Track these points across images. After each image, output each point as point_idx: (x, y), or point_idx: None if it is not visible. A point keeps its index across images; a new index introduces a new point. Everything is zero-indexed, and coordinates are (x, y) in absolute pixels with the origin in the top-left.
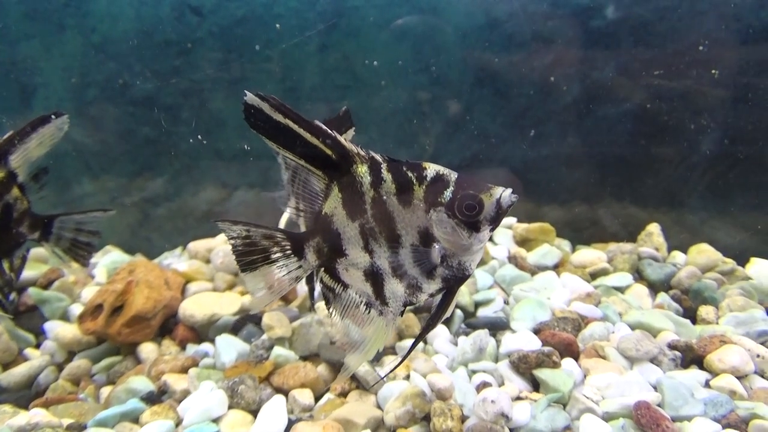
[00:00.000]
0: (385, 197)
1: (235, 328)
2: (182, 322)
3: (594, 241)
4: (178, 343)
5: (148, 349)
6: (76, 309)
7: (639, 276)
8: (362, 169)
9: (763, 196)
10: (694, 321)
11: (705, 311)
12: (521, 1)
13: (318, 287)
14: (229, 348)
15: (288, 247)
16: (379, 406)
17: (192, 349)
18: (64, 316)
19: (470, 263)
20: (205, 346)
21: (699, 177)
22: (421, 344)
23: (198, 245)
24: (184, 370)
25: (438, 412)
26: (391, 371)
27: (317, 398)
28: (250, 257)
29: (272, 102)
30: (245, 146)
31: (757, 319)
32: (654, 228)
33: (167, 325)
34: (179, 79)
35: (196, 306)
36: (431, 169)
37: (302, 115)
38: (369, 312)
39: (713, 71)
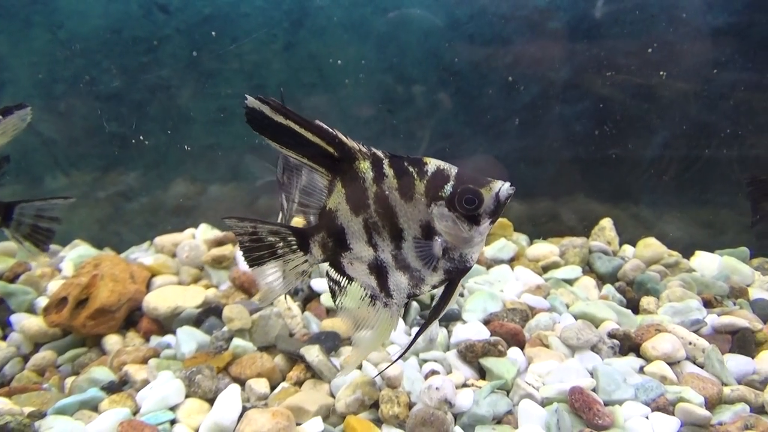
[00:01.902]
0: (387, 192)
1: (197, 321)
2: (146, 314)
3: (553, 235)
4: (142, 335)
5: (112, 341)
6: (43, 302)
7: (589, 269)
8: (365, 165)
9: (711, 192)
10: (636, 311)
11: (647, 302)
12: (482, 2)
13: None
14: (189, 339)
15: (294, 242)
16: (332, 395)
17: (155, 340)
18: (31, 309)
19: (471, 255)
20: (168, 338)
21: (652, 174)
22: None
23: (164, 239)
24: (145, 361)
25: (386, 399)
26: (393, 363)
27: (273, 387)
28: (257, 253)
29: (273, 104)
30: (214, 141)
31: (692, 309)
32: (606, 223)
33: (132, 317)
34: (147, 76)
35: (160, 299)
36: (432, 164)
37: (302, 115)
38: (374, 304)
39: (661, 72)
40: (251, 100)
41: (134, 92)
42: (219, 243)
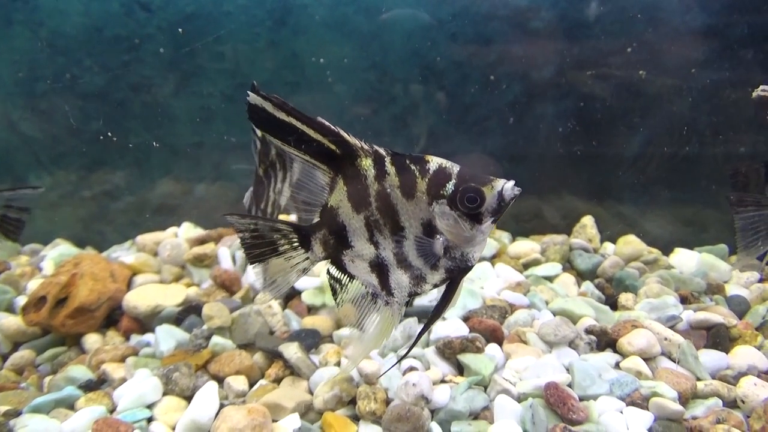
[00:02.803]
0: (389, 190)
1: (178, 319)
2: (126, 313)
3: (536, 232)
4: (122, 334)
5: (92, 340)
6: (22, 301)
7: (569, 266)
8: (366, 163)
9: (693, 189)
10: (615, 307)
11: (625, 298)
12: (464, 2)
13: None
14: (168, 337)
15: (295, 240)
16: (310, 392)
17: (135, 339)
18: (10, 308)
19: (473, 254)
20: (148, 337)
21: (633, 171)
22: (357, 331)
23: (146, 238)
24: (123, 360)
25: (363, 396)
26: (397, 363)
27: (252, 385)
28: (258, 250)
29: (275, 101)
30: (197, 140)
31: (669, 305)
32: (588, 220)
33: (113, 316)
34: (129, 74)
35: (140, 297)
36: (434, 162)
37: (304, 112)
38: (375, 302)
39: (641, 72)
40: (253, 97)
41: (116, 91)
42: (201, 241)
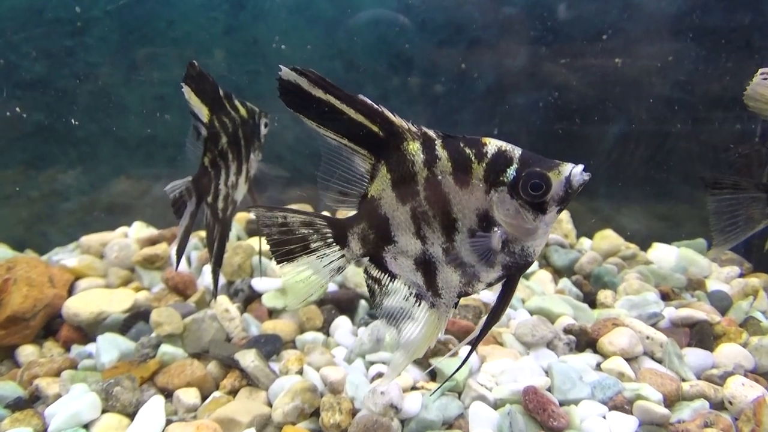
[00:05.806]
0: (440, 177)
1: (124, 327)
2: (66, 321)
3: None
4: (62, 345)
5: (27, 352)
6: None
7: (546, 262)
8: (414, 147)
9: (667, 184)
10: (593, 305)
11: (604, 295)
12: None
13: (223, 280)
14: (110, 347)
15: (329, 235)
16: (269, 403)
17: (76, 350)
18: None
19: (534, 248)
20: (91, 347)
21: (609, 165)
22: (321, 336)
23: (91, 239)
24: (59, 373)
25: (327, 407)
26: (453, 374)
27: (204, 397)
28: (287, 247)
29: (311, 76)
30: (150, 133)
31: (650, 302)
32: (563, 215)
33: (52, 325)
34: (73, 61)
35: (82, 304)
36: (492, 144)
37: (343, 89)
38: (419, 304)
39: (616, 60)
40: (286, 72)
41: (59, 79)
42: (152, 242)
